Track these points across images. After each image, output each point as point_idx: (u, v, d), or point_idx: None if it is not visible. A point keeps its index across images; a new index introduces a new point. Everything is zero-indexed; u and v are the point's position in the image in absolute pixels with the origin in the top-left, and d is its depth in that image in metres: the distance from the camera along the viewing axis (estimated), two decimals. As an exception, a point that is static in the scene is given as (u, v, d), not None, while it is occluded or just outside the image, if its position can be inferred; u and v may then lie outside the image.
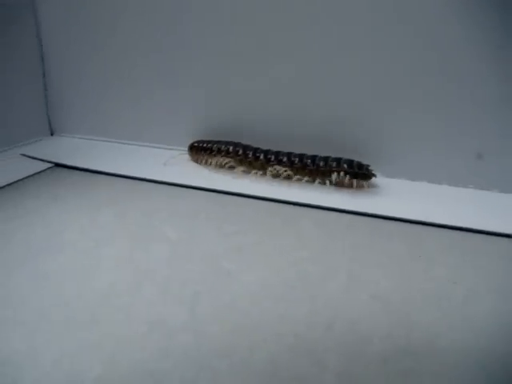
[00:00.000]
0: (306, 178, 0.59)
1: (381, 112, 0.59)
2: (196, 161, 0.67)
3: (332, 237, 0.47)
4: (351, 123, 0.61)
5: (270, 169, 0.60)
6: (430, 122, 0.58)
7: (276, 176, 0.60)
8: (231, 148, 0.63)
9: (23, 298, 0.37)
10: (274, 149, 0.61)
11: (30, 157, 0.69)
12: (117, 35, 0.71)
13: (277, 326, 0.34)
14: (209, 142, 0.65)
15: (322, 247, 0.45)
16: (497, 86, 0.54)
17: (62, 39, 0.75)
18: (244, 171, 0.62)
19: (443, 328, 0.35)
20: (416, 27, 0.55)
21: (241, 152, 0.62)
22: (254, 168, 0.62)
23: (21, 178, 0.62)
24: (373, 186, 0.58)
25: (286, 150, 0.61)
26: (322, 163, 0.58)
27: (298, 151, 0.60)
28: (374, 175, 0.57)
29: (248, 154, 0.61)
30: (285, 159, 0.59)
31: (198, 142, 0.66)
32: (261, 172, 0.61)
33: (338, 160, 0.57)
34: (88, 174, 0.64)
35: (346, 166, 0.57)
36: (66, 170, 0.65)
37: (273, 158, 0.60)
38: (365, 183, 0.57)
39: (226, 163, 0.63)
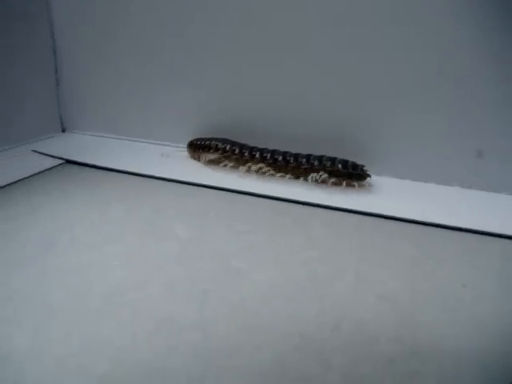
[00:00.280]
0: (288, 176, 0.60)
1: (381, 112, 0.60)
2: (194, 158, 0.68)
3: (340, 237, 0.47)
4: (350, 123, 0.61)
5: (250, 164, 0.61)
6: (430, 121, 0.58)
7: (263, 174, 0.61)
8: (228, 146, 0.63)
9: (31, 295, 0.38)
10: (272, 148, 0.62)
11: (40, 153, 0.70)
12: (128, 33, 0.71)
13: (285, 326, 0.34)
14: (207, 139, 0.66)
15: (331, 247, 0.45)
16: (497, 85, 0.54)
17: (74, 36, 0.76)
18: (247, 170, 0.62)
19: (449, 329, 0.34)
20: (416, 27, 0.55)
21: (237, 151, 0.62)
22: (245, 165, 0.62)
23: (32, 174, 0.62)
24: (368, 186, 0.58)
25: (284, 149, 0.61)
26: (316, 162, 0.58)
27: (296, 151, 0.60)
28: (368, 175, 0.57)
29: (244, 152, 0.62)
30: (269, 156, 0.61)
31: (197, 139, 0.67)
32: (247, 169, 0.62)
33: (333, 159, 0.58)
34: (98, 170, 0.64)
35: (340, 165, 0.57)
36: (76, 166, 0.66)
37: (269, 156, 0.61)
38: (356, 184, 0.57)
39: (222, 161, 0.64)
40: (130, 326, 0.34)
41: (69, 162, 0.67)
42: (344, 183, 0.57)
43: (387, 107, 0.59)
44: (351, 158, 0.58)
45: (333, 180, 0.58)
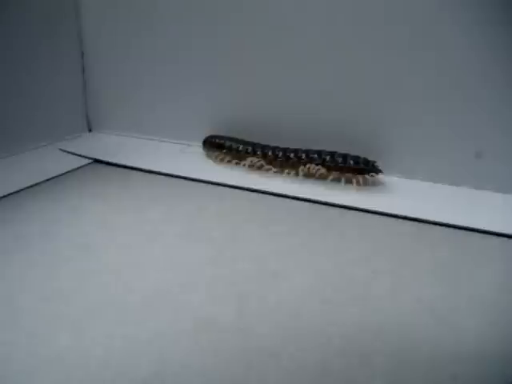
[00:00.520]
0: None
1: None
2: (210, 157, 0.68)
3: (372, 239, 0.47)
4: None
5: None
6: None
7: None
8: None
9: (70, 297, 0.38)
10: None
11: (69, 152, 0.70)
12: (152, 37, 0.72)
13: (325, 328, 0.34)
14: (223, 138, 0.66)
15: (365, 249, 0.45)
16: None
17: (101, 39, 0.77)
18: (276, 172, 0.62)
19: (491, 333, 0.34)
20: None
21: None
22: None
23: (60, 173, 0.63)
24: (378, 183, 0.58)
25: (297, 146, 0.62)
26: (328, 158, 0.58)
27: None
28: (380, 171, 0.58)
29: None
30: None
31: (213, 137, 0.67)
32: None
33: (345, 156, 0.58)
34: (125, 169, 0.65)
35: (352, 162, 0.57)
36: (104, 166, 0.66)
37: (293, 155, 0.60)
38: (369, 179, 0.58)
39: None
40: (170, 328, 0.34)
41: (97, 161, 0.67)
42: (357, 178, 0.57)
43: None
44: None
45: (348, 175, 0.58)
